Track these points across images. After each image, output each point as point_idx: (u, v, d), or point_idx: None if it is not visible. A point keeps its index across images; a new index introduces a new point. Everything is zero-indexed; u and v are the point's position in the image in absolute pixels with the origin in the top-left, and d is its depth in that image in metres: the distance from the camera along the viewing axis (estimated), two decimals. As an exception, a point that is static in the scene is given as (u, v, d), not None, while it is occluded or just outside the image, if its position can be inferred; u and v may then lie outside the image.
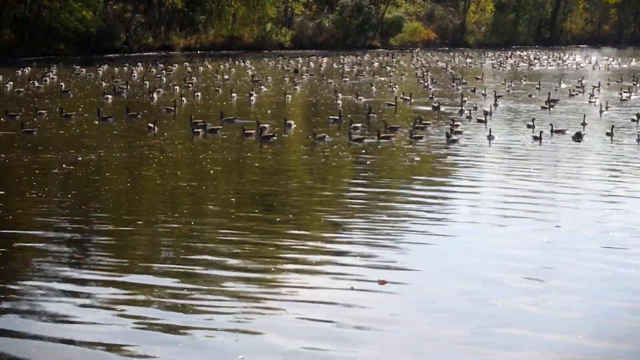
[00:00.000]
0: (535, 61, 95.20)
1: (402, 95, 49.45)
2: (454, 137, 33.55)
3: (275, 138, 33.39)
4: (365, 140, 33.01)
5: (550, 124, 36.15)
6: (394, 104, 46.43)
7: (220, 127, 35.92)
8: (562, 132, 35.60)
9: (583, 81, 61.72)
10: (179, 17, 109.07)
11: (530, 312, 13.72)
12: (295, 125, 37.38)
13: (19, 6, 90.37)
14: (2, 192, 22.80)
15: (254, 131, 33.94)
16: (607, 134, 35.18)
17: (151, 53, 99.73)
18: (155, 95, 50.32)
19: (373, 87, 57.62)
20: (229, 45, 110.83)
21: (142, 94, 51.46)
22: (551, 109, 45.21)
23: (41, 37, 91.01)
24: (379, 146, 32.05)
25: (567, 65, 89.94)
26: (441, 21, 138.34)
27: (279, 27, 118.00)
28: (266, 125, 35.45)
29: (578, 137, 34.18)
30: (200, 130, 34.73)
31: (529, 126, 36.90)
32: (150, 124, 35.96)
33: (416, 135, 33.95)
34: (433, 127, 37.15)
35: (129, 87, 55.33)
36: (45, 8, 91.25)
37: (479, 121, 38.79)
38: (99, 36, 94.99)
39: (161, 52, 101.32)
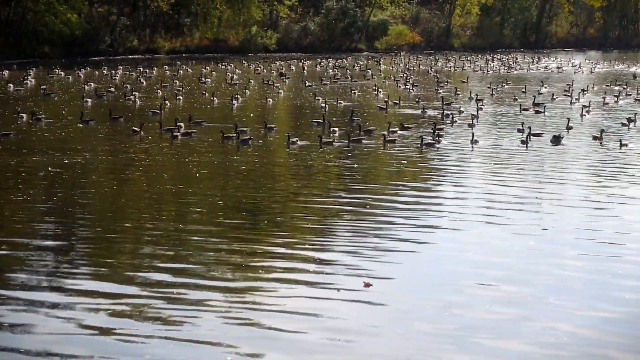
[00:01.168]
0: (515, 65, 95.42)
1: (386, 99, 49.49)
2: (429, 140, 33.57)
3: (251, 139, 33.41)
4: (335, 144, 33.12)
5: (529, 127, 36.11)
6: (384, 107, 46.54)
7: (195, 130, 35.99)
8: (539, 135, 35.57)
9: (573, 85, 61.55)
10: (164, 19, 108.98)
11: (514, 319, 13.68)
12: (277, 129, 37.37)
13: (3, 9, 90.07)
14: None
15: (234, 135, 33.94)
16: (595, 137, 35.19)
17: (136, 56, 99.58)
18: (132, 98, 50.28)
19: (355, 91, 57.56)
20: (214, 48, 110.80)
21: (124, 98, 51.27)
22: (544, 113, 45.08)
23: (26, 40, 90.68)
24: (354, 150, 32.07)
25: (550, 69, 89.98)
26: (426, 24, 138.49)
27: (264, 30, 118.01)
28: (245, 129, 35.47)
29: (557, 140, 34.17)
30: (178, 134, 34.69)
31: (519, 130, 36.73)
32: (135, 128, 35.95)
33: (390, 139, 34.02)
34: (415, 131, 37.12)
35: (114, 90, 55.26)
36: (30, 11, 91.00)
37: (469, 126, 38.67)
38: (83, 39, 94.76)
39: (146, 55, 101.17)
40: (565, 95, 55.59)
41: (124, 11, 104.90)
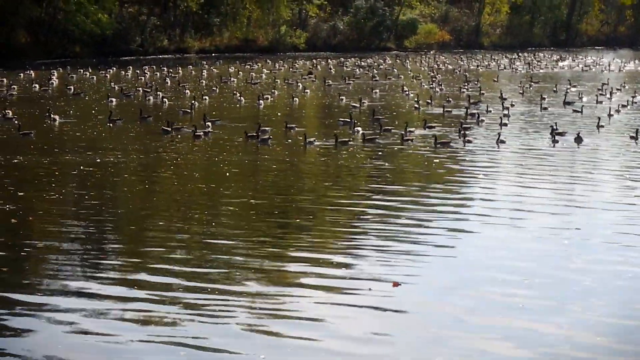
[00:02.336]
0: (540, 63, 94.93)
1: (416, 99, 49.48)
2: (443, 140, 33.55)
3: (271, 139, 33.64)
4: (351, 143, 33.19)
5: (551, 126, 35.99)
6: (418, 106, 46.50)
7: (211, 130, 36.21)
8: (562, 134, 35.34)
9: (608, 84, 60.85)
10: (193, 19, 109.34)
11: (541, 327, 13.44)
12: (297, 129, 37.21)
13: (35, 8, 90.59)
14: (22, 193, 23.05)
15: (255, 134, 34.10)
16: (632, 137, 34.92)
17: (167, 56, 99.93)
18: (152, 98, 50.50)
19: (376, 91, 57.46)
20: (243, 47, 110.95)
21: (145, 98, 51.16)
22: (581, 112, 44.71)
23: (57, 39, 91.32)
24: (374, 149, 32.13)
25: (579, 67, 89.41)
26: (456, 23, 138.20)
27: (293, 30, 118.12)
28: (266, 129, 35.61)
29: (579, 140, 33.97)
30: (201, 133, 34.81)
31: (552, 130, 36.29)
32: (165, 127, 36.13)
33: (408, 138, 34.04)
34: (439, 131, 37.02)
35: (149, 90, 55.02)
36: (61, 10, 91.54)
37: (500, 125, 38.47)
38: (114, 39, 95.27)
39: (176, 55, 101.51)
40: (600, 94, 55.04)
41: (154, 11, 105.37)
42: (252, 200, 22.77)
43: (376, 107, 46.30)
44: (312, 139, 33.18)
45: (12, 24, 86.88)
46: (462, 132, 35.24)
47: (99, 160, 28.61)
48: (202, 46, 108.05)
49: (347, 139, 33.77)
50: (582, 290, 15.02)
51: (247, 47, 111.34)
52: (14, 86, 55.62)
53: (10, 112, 40.33)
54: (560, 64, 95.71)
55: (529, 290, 15.04)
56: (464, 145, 33.15)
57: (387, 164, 29.35)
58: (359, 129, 36.57)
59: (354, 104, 47.74)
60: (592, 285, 15.37)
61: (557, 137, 34.58)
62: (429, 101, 49.15)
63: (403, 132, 34.84)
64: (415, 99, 49.23)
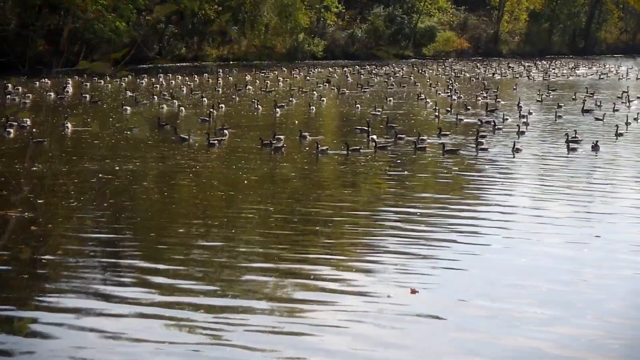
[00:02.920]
0: (557, 70, 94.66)
1: (434, 107, 49.43)
2: (451, 148, 33.57)
3: (284, 147, 33.68)
4: (362, 151, 33.21)
5: (566, 134, 35.82)
6: (437, 115, 46.41)
7: (223, 138, 36.27)
8: (577, 142, 35.17)
9: (628, 92, 60.57)
10: (211, 27, 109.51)
11: (553, 343, 13.34)
12: (311, 137, 37.08)
13: (53, 17, 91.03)
14: (42, 201, 23.15)
15: (269, 142, 34.15)
16: None
17: (184, 64, 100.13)
18: (165, 106, 50.53)
19: (390, 99, 57.28)
20: (261, 55, 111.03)
21: (159, 106, 51.07)
22: (603, 120, 44.59)
23: (75, 48, 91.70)
24: (385, 158, 32.16)
25: (597, 75, 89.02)
26: (474, 31, 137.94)
27: (311, 37, 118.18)
28: (280, 136, 35.60)
29: (596, 148, 33.81)
30: (215, 142, 34.85)
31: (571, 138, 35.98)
32: (182, 135, 36.15)
33: (420, 147, 34.00)
34: (451, 138, 37.04)
35: (168, 96, 55.11)
36: (79, 19, 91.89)
37: (518, 133, 38.37)
38: (132, 47, 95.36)
39: (194, 63, 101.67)
40: (621, 102, 54.90)
41: (172, 19, 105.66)
42: (270, 208, 22.84)
43: (394, 115, 46.23)
44: (324, 148, 33.18)
45: (31, 33, 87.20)
46: (478, 140, 35.15)
47: (117, 168, 28.71)
48: (220, 54, 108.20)
49: (358, 147, 33.75)
50: (599, 306, 14.89)
51: (265, 55, 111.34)
52: (29, 95, 55.59)
53: (29, 120, 40.48)
54: (578, 71, 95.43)
55: (545, 302, 14.95)
56: (477, 154, 33.07)
57: (399, 173, 29.36)
58: (374, 136, 36.53)
59: (373, 112, 47.60)
60: (609, 299, 15.26)
61: (572, 145, 34.45)
62: (449, 109, 49.05)
63: (415, 140, 34.80)
64: (434, 107, 49.16)
